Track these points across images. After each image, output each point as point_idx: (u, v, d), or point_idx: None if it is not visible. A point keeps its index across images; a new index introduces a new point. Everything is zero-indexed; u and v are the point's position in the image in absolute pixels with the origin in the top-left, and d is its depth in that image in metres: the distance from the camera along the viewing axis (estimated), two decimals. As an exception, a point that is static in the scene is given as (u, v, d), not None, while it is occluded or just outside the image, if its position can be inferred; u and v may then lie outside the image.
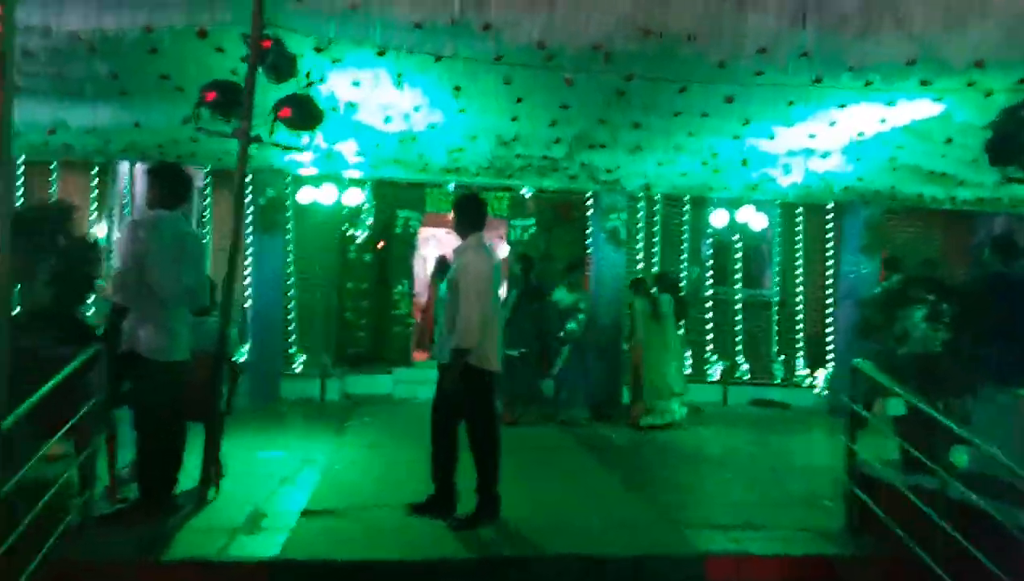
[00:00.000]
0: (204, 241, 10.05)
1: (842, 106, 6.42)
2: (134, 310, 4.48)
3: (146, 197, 4.70)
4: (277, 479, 5.73)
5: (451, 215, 4.97)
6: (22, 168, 9.78)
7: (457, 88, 6.05)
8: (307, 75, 5.20)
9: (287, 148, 5.27)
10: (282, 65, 5.09)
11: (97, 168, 10.07)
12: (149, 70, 5.85)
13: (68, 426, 3.94)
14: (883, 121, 6.84)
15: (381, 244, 11.02)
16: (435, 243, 19.07)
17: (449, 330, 4.70)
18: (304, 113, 5.05)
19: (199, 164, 9.42)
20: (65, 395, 3.91)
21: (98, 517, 4.41)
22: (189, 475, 4.94)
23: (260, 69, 5.03)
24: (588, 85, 6.02)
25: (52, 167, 9.99)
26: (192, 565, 4.02)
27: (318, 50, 5.32)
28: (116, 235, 10.08)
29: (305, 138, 5.50)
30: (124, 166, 10.06)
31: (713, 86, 5.99)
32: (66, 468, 4.06)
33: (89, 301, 5.82)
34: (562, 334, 8.05)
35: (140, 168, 9.25)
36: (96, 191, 10.18)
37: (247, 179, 9.69)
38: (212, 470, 5.08)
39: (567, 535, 4.58)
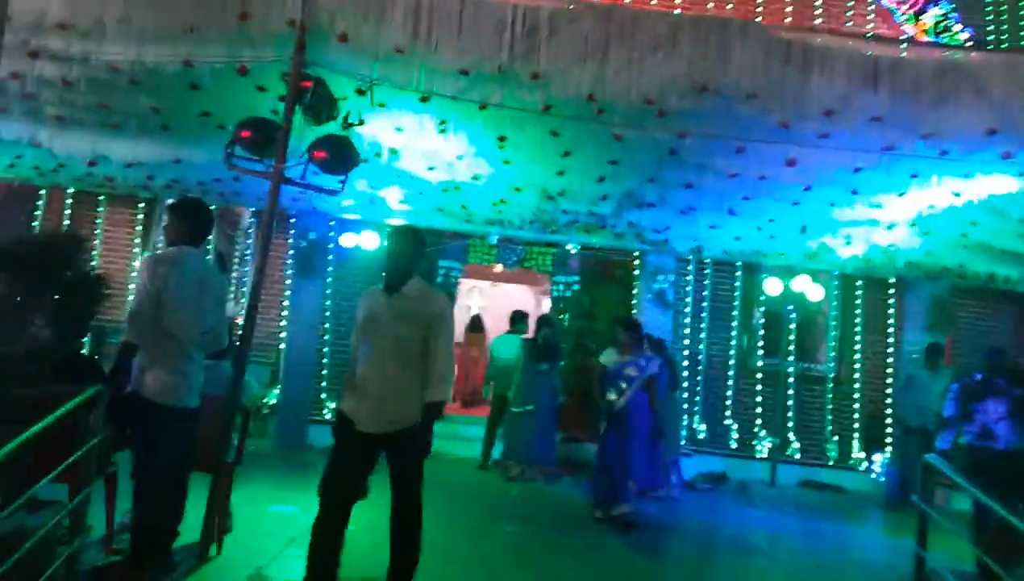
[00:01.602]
0: (240, 280, 9.97)
1: (914, 177, 6.01)
2: (145, 350, 4.24)
3: (167, 233, 4.49)
4: (286, 537, 5.37)
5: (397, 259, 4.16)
6: (69, 199, 9.90)
7: (502, 138, 5.83)
8: (346, 117, 5.02)
9: (319, 190, 5.06)
10: (321, 106, 4.93)
11: (144, 203, 10.08)
12: (190, 106, 5.78)
13: (61, 468, 3.67)
14: (957, 194, 6.40)
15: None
16: (478, 294, 18.94)
17: (399, 385, 3.89)
18: (340, 155, 4.85)
19: (243, 203, 9.39)
20: (61, 436, 3.65)
21: (89, 569, 4.12)
22: (192, 528, 4.63)
23: (299, 109, 4.87)
24: (639, 141, 5.75)
25: (100, 198, 10.04)
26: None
27: (360, 93, 5.16)
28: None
29: (341, 182, 5.27)
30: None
31: (773, 147, 5.65)
32: (55, 514, 3.78)
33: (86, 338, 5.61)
34: (601, 402, 7.25)
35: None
36: (140, 226, 10.18)
37: (291, 221, 9.81)
38: (215, 524, 4.77)
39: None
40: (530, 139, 5.85)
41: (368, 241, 9.67)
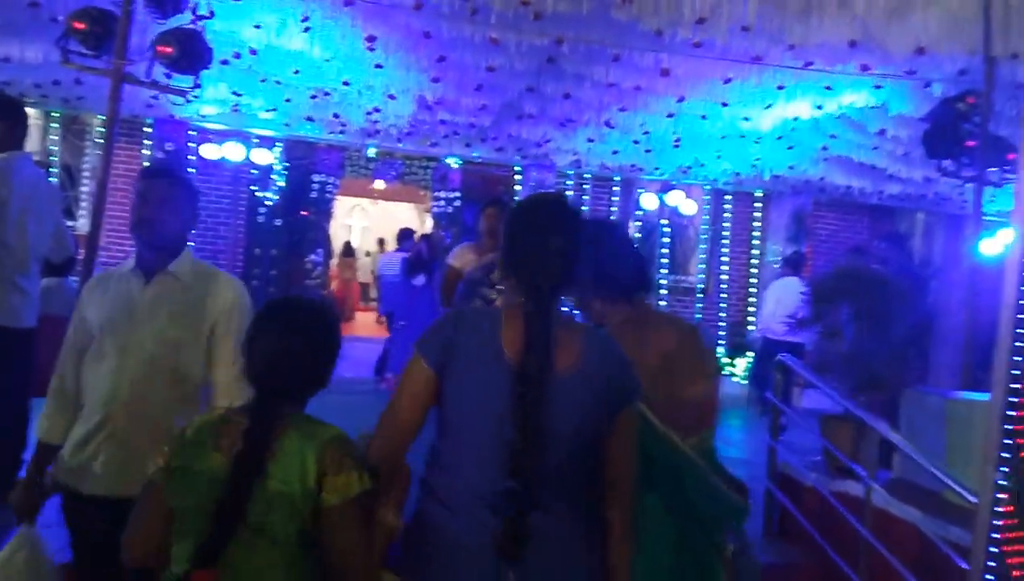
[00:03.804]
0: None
1: (780, 88, 6.17)
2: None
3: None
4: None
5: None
6: None
7: (371, 39, 5.51)
8: (193, 9, 4.57)
9: (165, 90, 4.63)
10: (166, -4, 4.45)
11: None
12: (15, -6, 5.13)
13: None
14: (819, 107, 6.64)
15: (305, 213, 10.35)
16: (360, 212, 18.39)
17: (159, 410, 3.09)
18: (189, 52, 4.42)
19: (89, 109, 8.59)
20: None
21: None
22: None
23: (140, -1, 4.39)
24: (516, 47, 5.58)
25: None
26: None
27: (211, -17, 4.71)
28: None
29: (195, 84, 4.83)
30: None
31: (648, 56, 5.63)
32: None
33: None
34: None
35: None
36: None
37: (146, 130, 9.07)
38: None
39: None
40: (401, 41, 5.56)
41: (232, 152, 9.10)
